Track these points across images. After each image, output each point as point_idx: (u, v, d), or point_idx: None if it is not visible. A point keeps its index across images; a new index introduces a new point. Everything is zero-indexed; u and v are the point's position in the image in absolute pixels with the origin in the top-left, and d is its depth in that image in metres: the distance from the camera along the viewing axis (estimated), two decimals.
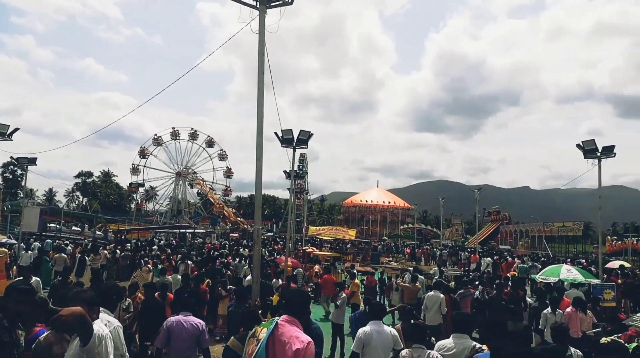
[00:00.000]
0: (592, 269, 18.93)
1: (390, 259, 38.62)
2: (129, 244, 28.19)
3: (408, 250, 41.31)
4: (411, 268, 18.76)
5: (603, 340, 4.04)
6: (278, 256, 22.11)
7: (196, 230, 45.99)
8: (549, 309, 8.75)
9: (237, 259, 19.19)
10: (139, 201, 73.63)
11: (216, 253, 23.37)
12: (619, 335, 5.85)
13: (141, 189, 72.20)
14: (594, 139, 14.78)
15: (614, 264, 19.89)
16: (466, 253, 32.24)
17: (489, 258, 26.24)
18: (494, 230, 56.43)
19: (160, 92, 10.92)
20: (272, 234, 66.19)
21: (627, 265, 20.10)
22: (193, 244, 33.77)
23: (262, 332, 3.35)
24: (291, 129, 17.01)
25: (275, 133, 17.45)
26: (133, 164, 69.43)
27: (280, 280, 14.22)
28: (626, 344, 4.31)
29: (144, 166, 69.60)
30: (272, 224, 79.79)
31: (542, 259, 31.47)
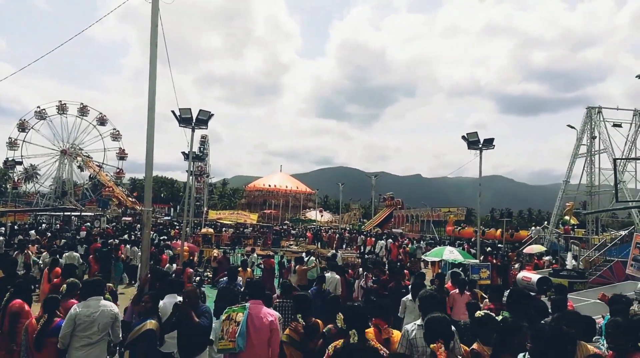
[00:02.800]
0: (472, 251, 20.78)
1: (291, 243, 39.08)
2: (3, 228, 25.38)
3: (309, 234, 42.11)
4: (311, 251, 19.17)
5: (477, 313, 4.43)
6: (174, 241, 21.28)
7: (83, 213, 42.61)
8: (409, 296, 8.05)
9: (130, 245, 18.12)
10: (16, 180, 66.33)
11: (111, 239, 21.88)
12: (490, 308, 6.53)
13: (19, 168, 65.08)
14: (476, 132, 16.11)
15: (532, 249, 21.77)
16: (362, 236, 33.69)
17: (382, 241, 27.66)
18: (388, 215, 59.62)
19: (40, 58, 9.74)
20: (169, 218, 63.53)
21: (542, 248, 22.14)
22: (79, 228, 31.24)
23: (239, 316, 4.80)
24: (190, 109, 16.31)
25: (173, 112, 16.59)
26: (10, 138, 62.21)
27: (174, 265, 13.77)
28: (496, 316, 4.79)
29: (24, 141, 62.69)
30: (169, 208, 76.52)
31: (431, 241, 33.90)
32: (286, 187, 77.13)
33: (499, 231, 33.34)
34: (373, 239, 30.63)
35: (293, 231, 47.05)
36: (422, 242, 28.60)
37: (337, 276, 10.39)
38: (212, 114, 16.61)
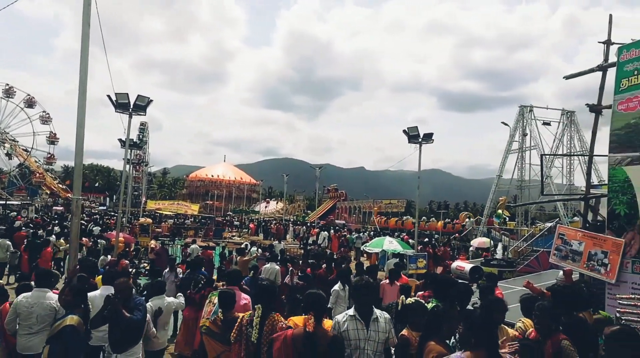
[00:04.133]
0: (410, 241, 21.41)
1: (234, 234, 38.61)
2: None
3: (252, 225, 41.77)
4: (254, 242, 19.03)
5: (408, 300, 4.55)
6: (109, 232, 20.37)
7: (9, 202, 39.82)
8: (339, 284, 8.05)
9: (56, 237, 17.14)
10: None
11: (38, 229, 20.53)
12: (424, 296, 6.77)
13: None
14: (416, 127, 16.60)
15: (483, 242, 22.51)
16: (305, 227, 33.86)
17: (325, 232, 27.94)
18: (331, 206, 60.30)
19: None
20: (104, 208, 60.74)
21: (487, 239, 22.95)
22: (6, 218, 29.19)
23: (215, 298, 5.33)
24: (127, 94, 15.61)
25: (108, 96, 15.83)
26: None
27: (109, 256, 13.22)
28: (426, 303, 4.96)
29: None
30: (105, 197, 73.12)
31: (372, 233, 34.62)
32: (229, 178, 75.94)
33: (440, 223, 34.60)
34: (317, 230, 30.85)
35: (236, 223, 46.47)
36: (362, 233, 29.17)
37: (277, 267, 10.37)
38: (151, 100, 16.00)
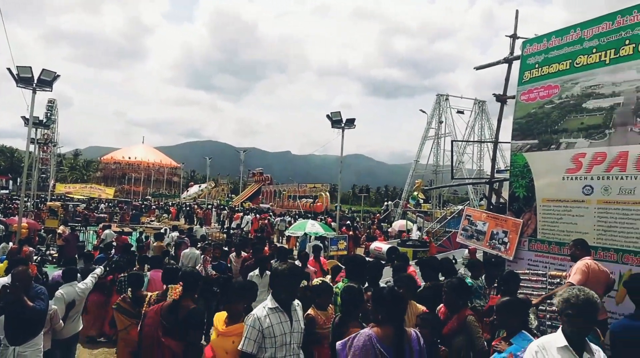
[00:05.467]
0: (333, 224, 21.87)
1: (153, 219, 37.14)
2: None
3: (173, 210, 40.41)
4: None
5: (315, 281, 4.65)
6: (10, 217, 18.73)
7: None
8: (256, 271, 7.59)
9: None
10: None
11: None
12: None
13: None
14: (339, 112, 16.84)
15: (402, 225, 23.25)
16: (228, 211, 33.36)
17: (248, 216, 27.73)
18: (256, 190, 59.92)
19: None
20: (7, 192, 55.73)
21: (410, 223, 23.77)
22: None
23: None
24: (30, 67, 14.30)
25: (9, 69, 14.42)
26: None
27: (10, 244, 12.25)
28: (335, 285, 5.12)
29: None
30: (8, 180, 67.06)
31: (297, 216, 34.88)
32: (148, 160, 72.60)
33: (375, 208, 35.67)
34: (240, 214, 30.53)
35: (154, 207, 44.69)
36: (286, 217, 29.33)
37: (197, 252, 10.13)
38: (58, 75, 14.80)
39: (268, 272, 7.59)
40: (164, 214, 40.39)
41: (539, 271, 6.53)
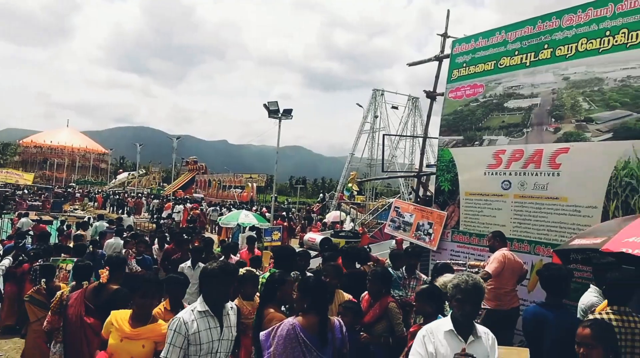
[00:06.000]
0: (267, 215, 21.75)
1: (76, 207, 35.11)
2: None
3: (99, 198, 38.39)
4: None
5: (240, 271, 4.61)
6: None
7: None
8: (188, 263, 7.13)
9: None
10: None
11: None
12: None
13: None
14: (277, 102, 16.69)
15: (336, 216, 23.29)
16: (157, 200, 32.24)
17: (181, 206, 26.93)
18: (190, 179, 58.31)
19: None
20: None
21: (344, 214, 23.90)
22: None
23: (68, 266, 6.50)
24: None
25: None
26: None
27: None
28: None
29: None
30: None
31: (231, 207, 34.35)
32: (73, 145, 68.35)
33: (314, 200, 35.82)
34: (171, 203, 29.58)
35: (78, 194, 42.22)
36: (220, 207, 28.81)
37: (121, 241, 9.69)
38: None
39: (202, 264, 7.37)
40: (89, 203, 38.30)
41: (459, 261, 6.88)
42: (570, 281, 4.27)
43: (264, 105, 16.88)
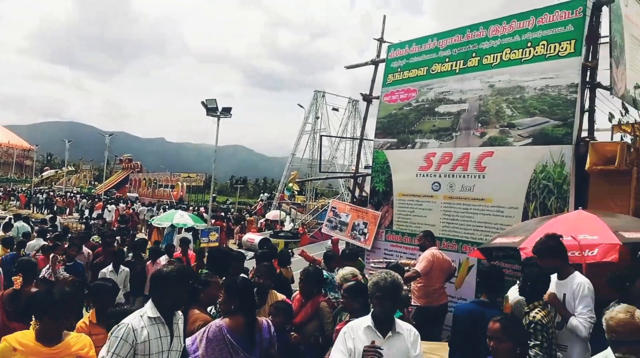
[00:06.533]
0: (205, 215, 21.29)
1: None
2: None
3: (22, 196, 35.84)
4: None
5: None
6: None
7: None
8: (110, 266, 6.86)
9: None
10: None
11: None
12: None
13: None
14: (215, 99, 16.32)
15: (275, 215, 23.04)
16: (85, 200, 30.64)
17: (113, 206, 25.78)
18: (123, 178, 55.89)
19: None
20: None
21: (284, 214, 23.73)
22: None
23: None
24: None
25: None
26: None
27: None
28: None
29: None
30: None
31: (167, 206, 33.30)
32: None
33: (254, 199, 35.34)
34: (102, 203, 28.21)
35: (0, 193, 39.23)
36: (155, 207, 27.86)
37: (43, 242, 9.10)
38: None
39: (125, 268, 6.98)
40: (12, 202, 35.65)
41: (391, 260, 7.07)
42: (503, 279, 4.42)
43: (202, 103, 16.48)
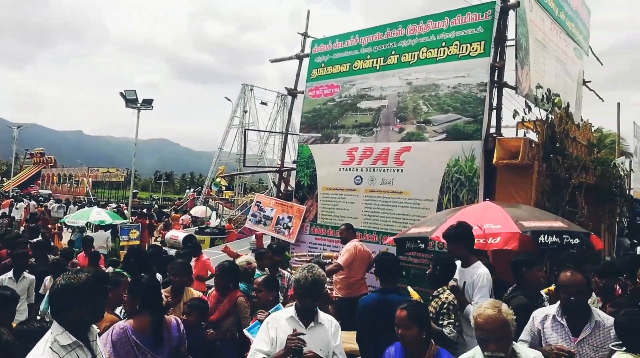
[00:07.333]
0: (125, 212, 20.28)
1: None
2: None
3: None
4: None
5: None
6: None
7: None
8: (10, 273, 5.86)
9: None
10: None
11: None
12: None
13: None
14: (135, 91, 15.54)
15: (202, 211, 22.23)
16: None
17: (23, 203, 23.80)
18: (35, 173, 51.86)
19: None
20: None
21: (210, 210, 23.01)
22: None
23: None
24: None
25: None
26: None
27: None
28: None
29: None
30: None
31: (81, 204, 31.34)
32: None
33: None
34: (9, 201, 25.95)
35: None
36: (73, 203, 26.14)
37: None
38: None
39: (29, 276, 5.94)
40: None
41: (314, 253, 7.14)
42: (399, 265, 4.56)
43: (121, 94, 15.65)
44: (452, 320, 3.67)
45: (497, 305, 2.54)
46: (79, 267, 6.39)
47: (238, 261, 4.54)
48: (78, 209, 20.57)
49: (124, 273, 4.78)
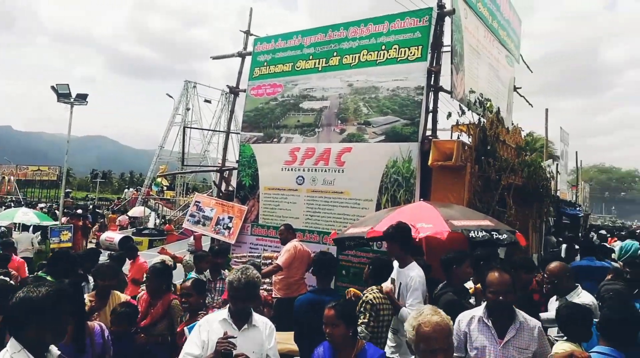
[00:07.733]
0: (56, 212, 19.20)
1: None
2: None
3: None
4: None
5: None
6: None
7: None
8: None
9: None
10: None
11: None
12: None
13: None
14: (67, 84, 14.74)
15: (140, 211, 21.32)
16: None
17: None
18: None
19: None
20: None
21: (148, 210, 22.05)
22: None
23: None
24: None
25: None
26: None
27: None
28: None
29: None
30: None
31: (11, 204, 29.38)
32: None
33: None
34: None
35: None
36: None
37: None
38: None
39: None
40: None
41: (255, 254, 7.08)
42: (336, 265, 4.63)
43: (52, 87, 14.79)
44: (366, 320, 3.66)
45: (437, 311, 2.25)
46: None
47: (152, 262, 4.41)
48: (5, 209, 19.24)
49: (47, 277, 4.51)
